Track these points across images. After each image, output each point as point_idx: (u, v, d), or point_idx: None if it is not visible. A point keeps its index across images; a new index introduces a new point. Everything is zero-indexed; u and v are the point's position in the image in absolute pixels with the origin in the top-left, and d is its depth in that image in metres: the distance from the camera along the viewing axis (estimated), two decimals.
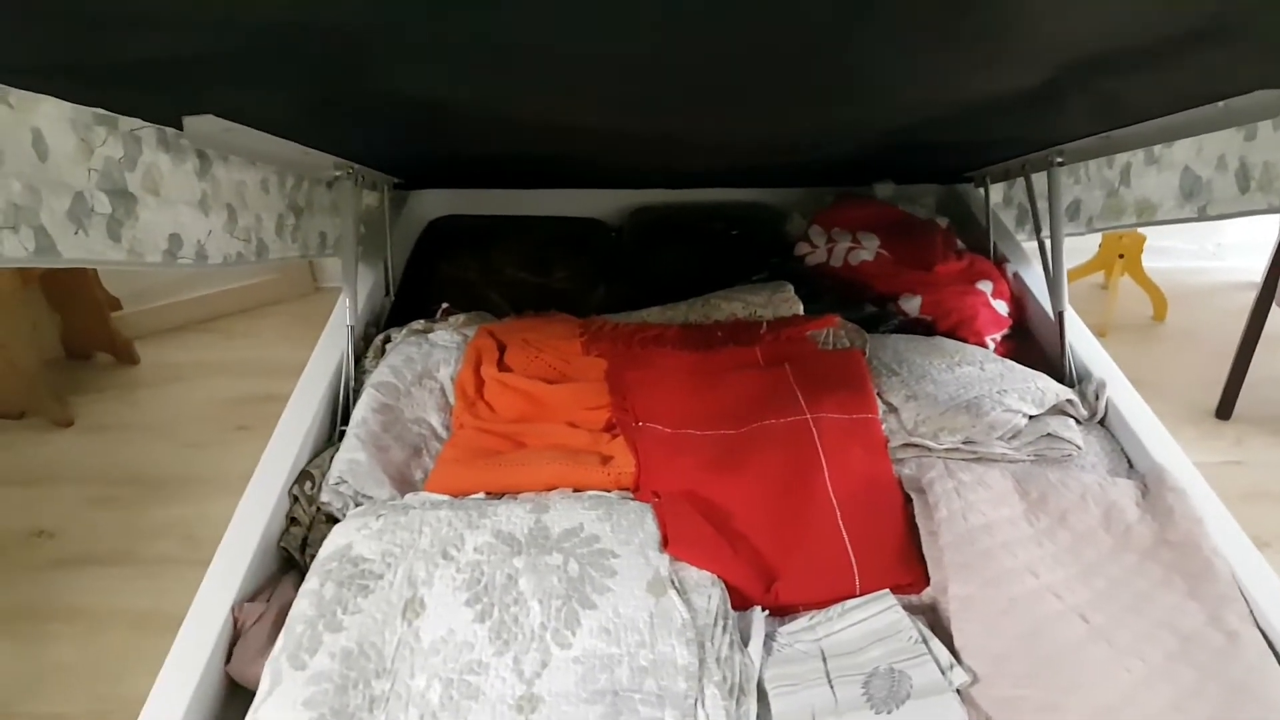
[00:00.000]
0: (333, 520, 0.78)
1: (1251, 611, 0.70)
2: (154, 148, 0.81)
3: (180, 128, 0.78)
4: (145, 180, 0.80)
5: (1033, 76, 0.71)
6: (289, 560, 0.80)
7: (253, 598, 0.74)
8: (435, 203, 1.43)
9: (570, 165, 1.28)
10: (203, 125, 0.77)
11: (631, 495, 0.81)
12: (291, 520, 0.81)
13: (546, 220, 1.43)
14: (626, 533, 0.72)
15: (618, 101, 0.80)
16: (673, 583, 0.67)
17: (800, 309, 1.13)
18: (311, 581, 0.67)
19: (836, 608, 0.70)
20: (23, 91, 0.63)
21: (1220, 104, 0.75)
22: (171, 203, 0.85)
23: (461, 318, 1.10)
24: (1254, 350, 1.84)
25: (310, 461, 0.86)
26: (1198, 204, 1.00)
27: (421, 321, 1.08)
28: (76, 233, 0.72)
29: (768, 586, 0.74)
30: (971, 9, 0.55)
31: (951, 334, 1.11)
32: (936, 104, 0.84)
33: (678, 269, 1.31)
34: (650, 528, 0.73)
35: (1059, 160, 1.05)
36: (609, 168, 1.31)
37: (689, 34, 0.57)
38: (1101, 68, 0.68)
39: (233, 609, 0.71)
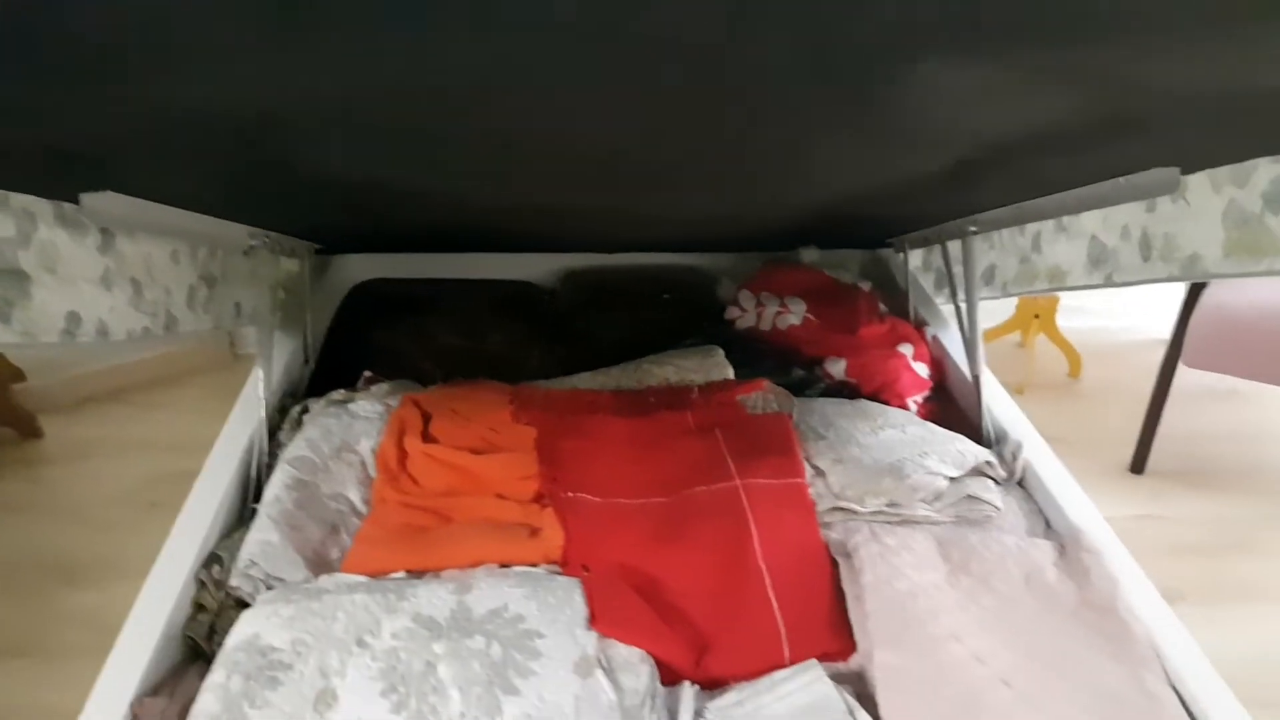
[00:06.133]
0: (243, 606, 0.74)
1: (1166, 673, 0.72)
2: (51, 224, 0.76)
3: (78, 203, 0.73)
4: (41, 258, 0.75)
5: (948, 159, 0.75)
6: (196, 650, 0.76)
7: (155, 692, 0.69)
8: (359, 268, 1.40)
9: (499, 232, 1.27)
10: (101, 202, 0.72)
11: (560, 570, 0.79)
12: (198, 607, 0.77)
13: (477, 284, 1.41)
14: (554, 611, 0.70)
15: (549, 182, 0.80)
16: (600, 662, 0.65)
17: (730, 373, 1.14)
18: (217, 674, 0.63)
19: (765, 680, 0.69)
20: None
21: (1122, 179, 0.79)
22: (71, 280, 0.79)
23: (385, 386, 1.07)
24: (1163, 406, 1.92)
25: (219, 543, 0.82)
26: (1105, 271, 1.04)
27: (341, 391, 1.05)
28: None
29: (699, 659, 0.73)
30: (883, 107, 0.57)
31: (875, 396, 1.13)
32: (858, 185, 0.87)
33: (613, 332, 1.31)
34: (578, 604, 0.71)
35: (973, 229, 1.08)
36: (541, 234, 1.31)
37: (617, 117, 0.57)
38: (1014, 152, 0.71)
39: (131, 706, 0.66)
